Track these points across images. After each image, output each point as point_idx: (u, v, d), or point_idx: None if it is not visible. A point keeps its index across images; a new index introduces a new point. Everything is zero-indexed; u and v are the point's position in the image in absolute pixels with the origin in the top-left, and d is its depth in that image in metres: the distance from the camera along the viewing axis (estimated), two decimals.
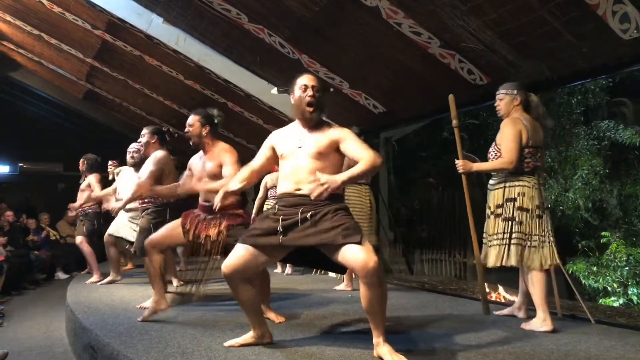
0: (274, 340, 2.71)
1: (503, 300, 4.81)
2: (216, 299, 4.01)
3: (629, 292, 6.05)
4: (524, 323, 3.06)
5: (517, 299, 3.42)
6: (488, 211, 3.15)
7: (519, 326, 3.10)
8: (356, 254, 2.27)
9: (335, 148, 2.48)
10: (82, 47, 6.86)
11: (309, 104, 2.50)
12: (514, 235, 2.98)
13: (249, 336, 2.66)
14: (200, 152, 3.40)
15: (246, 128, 7.21)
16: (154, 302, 3.42)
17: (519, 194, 3.01)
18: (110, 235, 5.03)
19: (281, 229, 2.42)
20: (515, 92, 3.08)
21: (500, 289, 5.18)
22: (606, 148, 7.07)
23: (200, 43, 5.30)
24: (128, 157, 4.95)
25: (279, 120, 6.09)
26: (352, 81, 4.70)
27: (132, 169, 4.92)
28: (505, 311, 3.41)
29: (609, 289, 6.11)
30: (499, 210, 3.05)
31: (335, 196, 2.47)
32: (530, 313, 3.21)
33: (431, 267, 7.04)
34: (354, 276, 5.04)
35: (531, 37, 3.18)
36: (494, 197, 3.10)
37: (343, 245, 2.31)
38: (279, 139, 2.64)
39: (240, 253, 2.49)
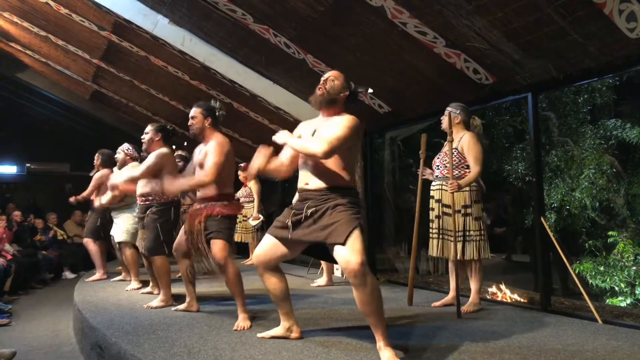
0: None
1: (509, 300, 4.79)
2: (222, 300, 4.02)
3: (637, 292, 6.01)
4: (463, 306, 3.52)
5: (452, 289, 3.74)
6: (447, 209, 3.55)
7: (524, 326, 3.10)
8: (340, 254, 2.32)
9: None
10: (89, 48, 6.89)
11: (319, 89, 2.64)
12: (483, 232, 3.55)
13: (278, 328, 2.81)
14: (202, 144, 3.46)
15: (252, 128, 7.22)
16: (186, 304, 3.64)
17: (481, 197, 3.60)
18: (118, 244, 5.03)
19: (290, 224, 2.52)
20: (458, 111, 3.67)
21: (506, 289, 5.16)
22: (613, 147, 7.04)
23: (206, 43, 5.31)
24: (117, 156, 4.95)
25: (285, 120, 6.09)
26: (357, 81, 4.68)
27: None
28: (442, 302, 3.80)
29: (616, 288, 6.08)
30: (468, 210, 3.52)
31: (341, 189, 2.49)
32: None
33: (437, 266, 7.02)
34: (341, 274, 5.11)
35: (537, 36, 3.17)
36: (459, 197, 3.51)
37: (333, 244, 2.35)
38: (301, 130, 2.73)
39: (265, 243, 2.65)
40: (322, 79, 2.67)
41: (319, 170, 2.52)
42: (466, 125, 3.70)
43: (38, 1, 5.77)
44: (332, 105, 2.63)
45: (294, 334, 2.78)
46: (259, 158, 2.62)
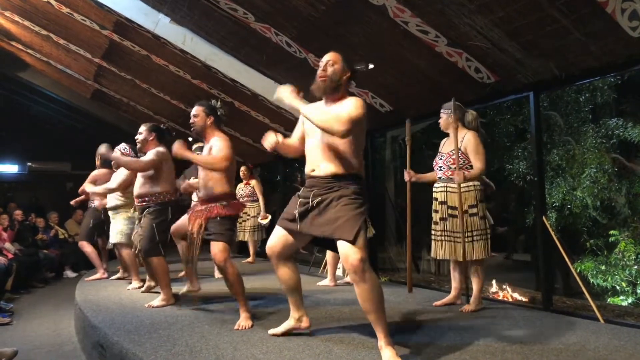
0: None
1: (511, 300, 4.79)
2: (223, 299, 4.02)
3: (638, 291, 6.01)
4: (464, 306, 3.53)
5: (454, 288, 3.77)
6: (453, 211, 3.51)
7: (526, 325, 3.10)
8: (342, 250, 2.33)
9: None
10: (90, 47, 6.90)
11: (320, 76, 2.59)
12: (488, 232, 3.50)
13: (289, 321, 2.83)
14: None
15: (252, 127, 7.22)
16: (188, 285, 3.76)
17: (485, 197, 3.55)
18: (114, 245, 5.01)
19: (297, 216, 2.52)
20: (449, 111, 3.62)
21: (508, 288, 5.16)
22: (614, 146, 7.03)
23: (207, 42, 5.31)
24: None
25: (286, 119, 6.09)
26: (358, 80, 4.69)
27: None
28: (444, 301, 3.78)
29: (618, 288, 6.08)
30: (472, 210, 3.47)
31: (347, 176, 2.47)
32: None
33: (437, 265, 7.02)
34: (343, 273, 5.12)
35: (539, 35, 3.17)
36: (466, 197, 3.47)
37: (338, 239, 2.36)
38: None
39: (275, 234, 2.67)
40: (321, 64, 2.60)
41: (326, 156, 2.48)
42: (463, 123, 3.65)
43: (39, 0, 5.78)
44: (336, 90, 2.57)
45: (304, 324, 2.83)
46: (271, 136, 2.56)
